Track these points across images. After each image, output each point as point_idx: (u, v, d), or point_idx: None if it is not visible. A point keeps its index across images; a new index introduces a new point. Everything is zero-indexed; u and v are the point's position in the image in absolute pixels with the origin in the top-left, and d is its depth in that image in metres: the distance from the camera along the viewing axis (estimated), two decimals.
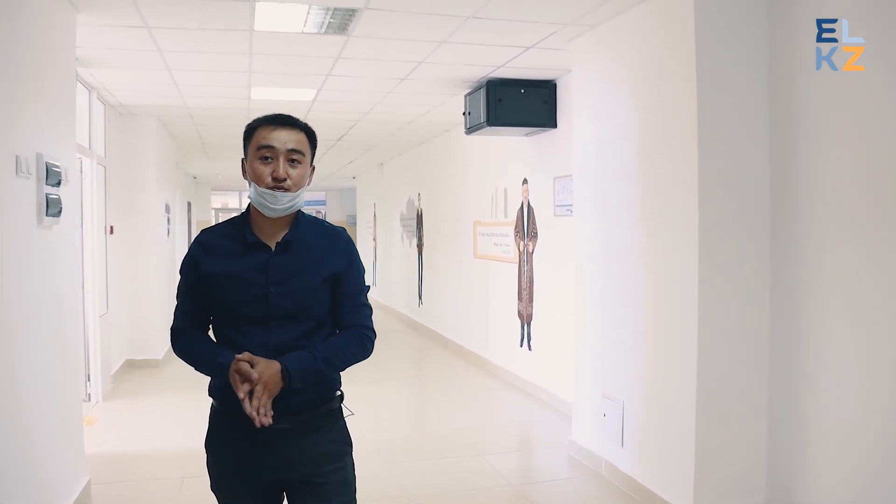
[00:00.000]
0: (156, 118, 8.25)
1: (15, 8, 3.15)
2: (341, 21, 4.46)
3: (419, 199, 11.28)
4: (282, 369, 1.94)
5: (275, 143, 2.02)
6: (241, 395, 1.89)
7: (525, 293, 7.05)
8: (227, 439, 2.09)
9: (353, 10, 4.26)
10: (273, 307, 2.03)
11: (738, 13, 3.71)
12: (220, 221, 2.23)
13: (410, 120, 8.38)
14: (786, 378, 3.66)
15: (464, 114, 6.60)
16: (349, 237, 2.21)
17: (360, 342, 2.13)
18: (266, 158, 2.03)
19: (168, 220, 9.88)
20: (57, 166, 3.68)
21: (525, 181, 6.98)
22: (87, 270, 6.37)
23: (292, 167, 2.04)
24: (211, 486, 2.16)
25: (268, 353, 1.97)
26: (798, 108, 3.54)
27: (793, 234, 3.59)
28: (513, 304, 7.34)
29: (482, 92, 6.10)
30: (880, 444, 3.10)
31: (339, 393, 2.18)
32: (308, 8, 4.22)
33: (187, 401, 6.76)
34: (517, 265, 7.21)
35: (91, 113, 6.52)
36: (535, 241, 6.77)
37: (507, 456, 5.23)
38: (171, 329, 2.16)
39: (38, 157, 3.46)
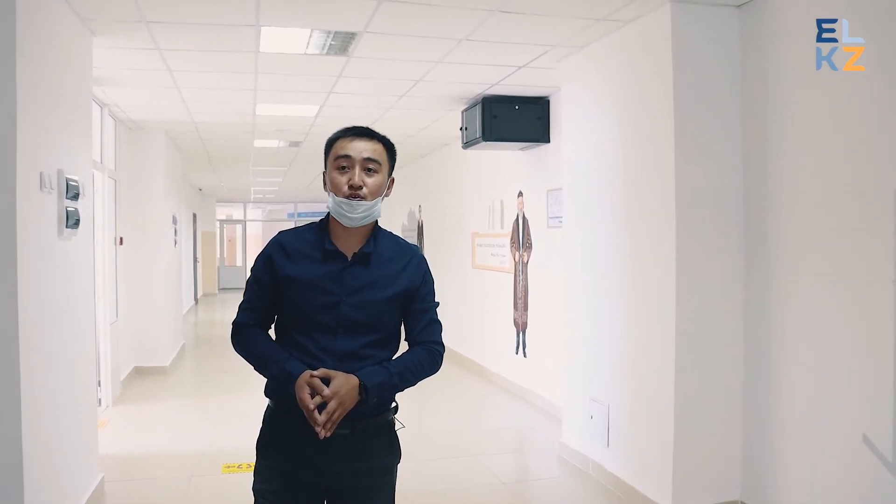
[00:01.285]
0: (164, 132, 8.53)
1: (36, 34, 3.40)
2: (342, 43, 4.72)
3: (420, 211, 11.53)
4: (360, 385, 1.98)
5: (351, 152, 2.08)
6: (311, 406, 1.94)
7: (520, 302, 7.29)
8: (281, 440, 2.11)
9: (353, 34, 4.52)
10: (343, 317, 2.07)
11: (713, 35, 3.97)
12: (300, 225, 2.27)
13: (410, 134, 8.65)
14: (760, 380, 3.89)
15: (461, 129, 6.86)
16: (423, 255, 2.26)
17: (432, 358, 2.16)
18: (343, 168, 2.09)
19: (175, 231, 10.14)
20: (75, 181, 3.93)
21: (520, 194, 7.23)
22: (99, 280, 6.61)
23: (368, 176, 2.08)
24: (253, 485, 2.15)
25: (333, 360, 2.04)
26: (768, 122, 3.78)
27: (765, 244, 3.83)
28: (509, 313, 7.58)
29: (478, 108, 6.35)
30: (847, 440, 3.32)
31: (394, 404, 2.20)
32: (310, 32, 4.49)
33: (193, 406, 7.03)
34: (513, 275, 7.45)
35: (103, 128, 6.79)
36: (530, 251, 7.01)
37: (499, 457, 5.45)
38: (234, 323, 2.18)
39: (59, 172, 3.72)
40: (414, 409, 7.48)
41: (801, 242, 3.59)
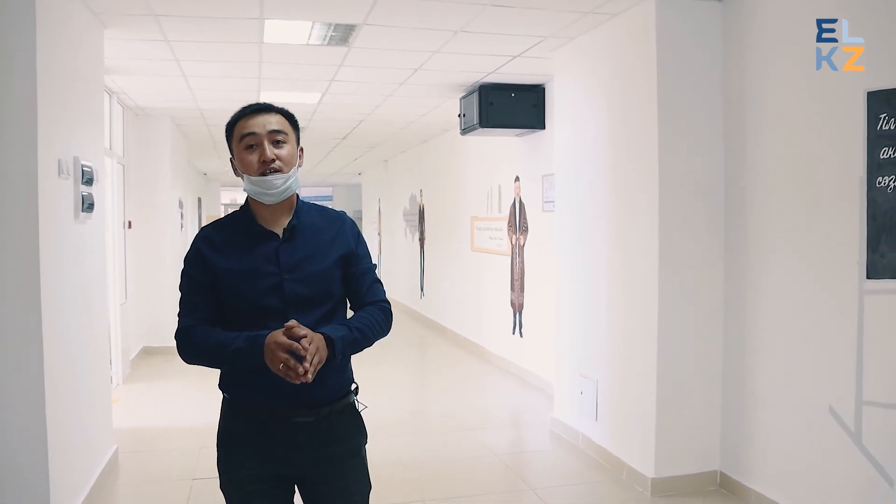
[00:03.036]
0: (170, 119, 8.73)
1: (53, 28, 3.59)
2: (343, 34, 4.91)
3: (421, 196, 11.73)
4: (325, 337, 1.92)
5: (255, 128, 2.01)
6: (293, 348, 1.85)
7: (517, 283, 7.51)
8: (242, 433, 2.05)
9: (353, 26, 4.71)
10: (289, 295, 2.01)
11: (695, 28, 4.15)
12: (219, 218, 2.22)
13: (411, 121, 8.84)
14: (737, 358, 4.11)
15: (459, 116, 7.05)
16: (352, 219, 2.21)
17: (385, 315, 2.14)
18: (251, 147, 2.02)
19: (181, 215, 10.36)
20: (89, 167, 4.15)
21: (517, 178, 7.43)
22: (108, 262, 6.85)
23: (278, 148, 2.02)
24: (220, 484, 2.10)
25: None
26: (747, 112, 3.98)
27: (744, 229, 4.03)
28: (506, 294, 7.80)
29: (475, 96, 6.54)
30: (815, 412, 3.55)
31: (354, 386, 2.17)
32: (312, 24, 4.69)
33: (200, 384, 7.22)
34: (510, 257, 7.66)
35: (111, 115, 6.99)
36: (526, 234, 7.22)
37: (495, 432, 5.70)
38: (178, 331, 2.06)
39: (75, 160, 3.93)
40: (414, 386, 7.74)
41: (775, 227, 3.80)
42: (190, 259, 2.07)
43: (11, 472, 3.34)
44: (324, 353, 1.90)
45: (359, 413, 2.18)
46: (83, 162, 4.05)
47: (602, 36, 4.72)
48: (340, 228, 2.14)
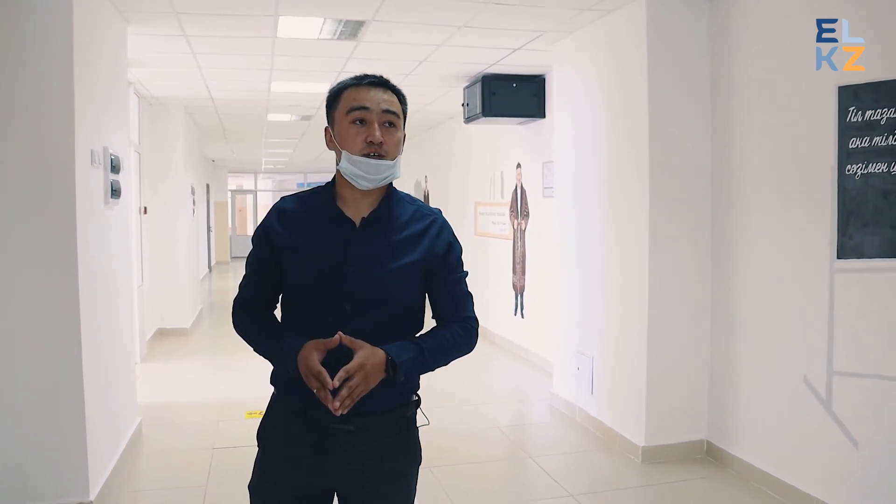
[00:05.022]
0: (183, 107, 9.00)
1: (84, 25, 3.85)
2: (352, 30, 5.18)
3: (426, 181, 12.00)
4: (386, 360, 1.69)
5: (368, 103, 1.77)
6: (325, 381, 1.63)
7: (519, 266, 7.80)
8: (283, 433, 1.85)
9: (362, 22, 4.98)
10: (349, 291, 1.78)
11: (685, 24, 4.41)
12: (303, 190, 1.98)
13: (416, 109, 9.10)
14: (723, 335, 4.40)
15: (463, 105, 7.32)
16: (445, 219, 1.93)
17: (468, 336, 1.89)
18: (359, 122, 1.78)
19: (193, 201, 10.65)
20: (116, 156, 4.44)
21: (519, 165, 7.70)
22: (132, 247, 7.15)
23: (388, 131, 1.79)
24: (250, 483, 1.91)
25: (339, 346, 1.70)
26: (731, 103, 4.24)
27: (730, 216, 4.31)
28: (508, 277, 8.10)
29: (478, 86, 6.81)
30: (790, 381, 3.84)
31: (415, 398, 1.90)
32: (323, 20, 4.95)
33: (214, 363, 7.62)
34: (512, 241, 7.95)
35: (129, 105, 7.26)
36: (528, 219, 7.50)
37: (497, 406, 6.01)
38: (234, 301, 1.93)
39: (105, 149, 4.22)
40: None
41: (757, 213, 4.07)
42: (258, 231, 1.90)
43: (53, 440, 3.65)
44: (374, 380, 1.67)
45: (415, 429, 1.91)
46: (111, 151, 4.33)
47: (598, 31, 4.98)
48: (429, 229, 1.87)
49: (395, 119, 1.81)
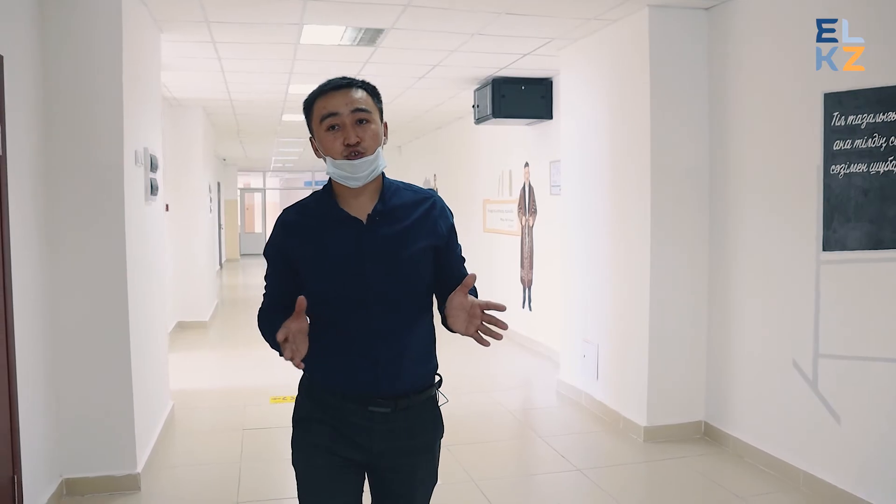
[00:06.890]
0: (202, 108, 9.33)
1: (126, 34, 4.18)
2: (371, 36, 5.50)
3: (435, 180, 12.32)
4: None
5: (337, 108, 1.84)
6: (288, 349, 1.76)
7: (526, 261, 8.12)
8: (317, 414, 1.96)
9: (381, 30, 5.31)
10: (371, 285, 1.87)
11: (685, 34, 4.72)
12: (301, 199, 2.04)
13: (426, 109, 9.42)
14: (720, 322, 4.72)
15: (473, 106, 7.64)
16: (440, 197, 2.03)
17: None
18: (333, 128, 1.85)
19: (210, 199, 10.97)
20: (155, 156, 4.77)
21: (526, 164, 8.02)
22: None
23: (362, 127, 1.85)
24: (292, 459, 2.02)
25: (370, 338, 1.88)
26: (728, 109, 4.56)
27: (726, 214, 4.62)
28: (516, 272, 8.42)
29: (488, 88, 7.13)
30: (781, 364, 4.16)
31: (438, 378, 2.08)
32: (345, 28, 5.28)
33: (236, 353, 7.95)
34: (520, 237, 8.28)
35: None
36: (535, 216, 7.82)
37: (508, 392, 6.34)
38: (259, 310, 2.02)
39: (145, 150, 4.55)
40: (438, 356, 8.35)
41: (750, 209, 4.39)
42: (269, 248, 1.98)
43: (107, 419, 3.99)
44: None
45: (438, 407, 2.08)
46: (150, 151, 4.66)
47: (603, 39, 5.30)
48: (431, 211, 1.97)
49: (366, 115, 1.86)
